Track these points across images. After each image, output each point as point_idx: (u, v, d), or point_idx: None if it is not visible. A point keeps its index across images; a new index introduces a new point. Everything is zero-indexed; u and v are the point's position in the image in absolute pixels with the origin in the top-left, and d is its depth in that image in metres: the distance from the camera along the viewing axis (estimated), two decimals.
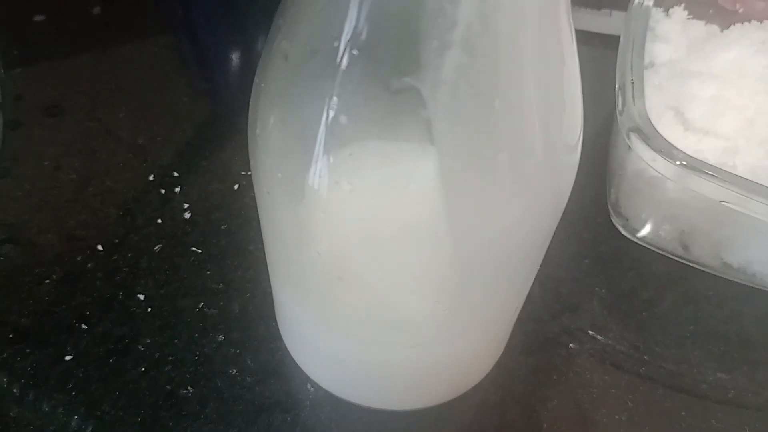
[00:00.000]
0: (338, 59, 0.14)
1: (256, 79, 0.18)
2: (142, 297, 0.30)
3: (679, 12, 0.36)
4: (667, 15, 0.36)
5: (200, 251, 0.32)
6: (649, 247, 0.33)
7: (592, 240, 0.34)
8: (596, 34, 0.43)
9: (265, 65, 0.17)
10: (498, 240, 0.18)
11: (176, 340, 0.29)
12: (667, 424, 0.28)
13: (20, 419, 0.26)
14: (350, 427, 0.27)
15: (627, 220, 0.33)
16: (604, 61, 0.33)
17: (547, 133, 0.16)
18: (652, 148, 0.27)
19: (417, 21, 0.13)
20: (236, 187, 0.35)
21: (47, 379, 0.27)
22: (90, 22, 0.45)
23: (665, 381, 0.29)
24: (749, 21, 0.35)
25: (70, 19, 0.45)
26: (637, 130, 0.27)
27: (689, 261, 0.32)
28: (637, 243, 0.33)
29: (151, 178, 0.35)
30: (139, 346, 0.29)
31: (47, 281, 0.31)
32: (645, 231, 0.32)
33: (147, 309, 0.30)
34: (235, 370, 0.28)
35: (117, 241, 0.32)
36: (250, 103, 0.18)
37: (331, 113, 0.15)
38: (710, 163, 0.26)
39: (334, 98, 0.15)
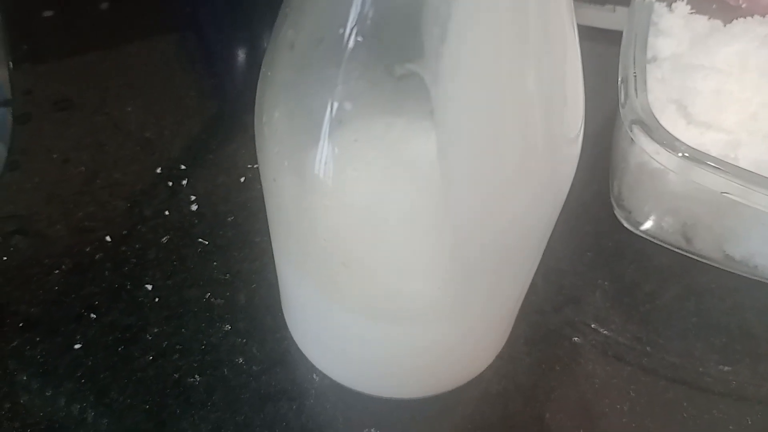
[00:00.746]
0: (343, 47, 0.15)
1: (263, 69, 0.18)
2: (149, 287, 0.31)
3: (681, 7, 0.36)
4: (670, 10, 0.36)
5: (207, 242, 0.33)
6: (651, 239, 0.33)
7: (595, 233, 0.34)
8: (600, 29, 0.43)
9: (272, 55, 0.17)
10: (499, 229, 0.18)
11: (183, 330, 0.29)
12: (668, 415, 0.28)
13: (30, 407, 0.27)
14: (355, 415, 0.27)
15: (630, 212, 0.33)
16: (608, 57, 0.33)
17: (547, 123, 0.17)
18: (655, 140, 0.27)
19: (420, 8, 0.13)
20: (242, 179, 0.36)
21: (56, 368, 0.28)
22: (98, 17, 0.45)
23: (667, 372, 0.29)
24: (752, 16, 0.36)
25: (79, 15, 0.45)
26: (640, 123, 0.27)
27: (692, 253, 0.32)
28: (639, 235, 0.33)
29: (158, 171, 0.36)
30: (147, 336, 0.29)
31: (56, 272, 0.31)
32: (648, 223, 0.33)
33: (154, 299, 0.30)
34: (241, 359, 0.28)
35: (125, 232, 0.33)
36: (257, 92, 0.19)
37: (336, 100, 0.16)
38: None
39: (339, 86, 0.15)
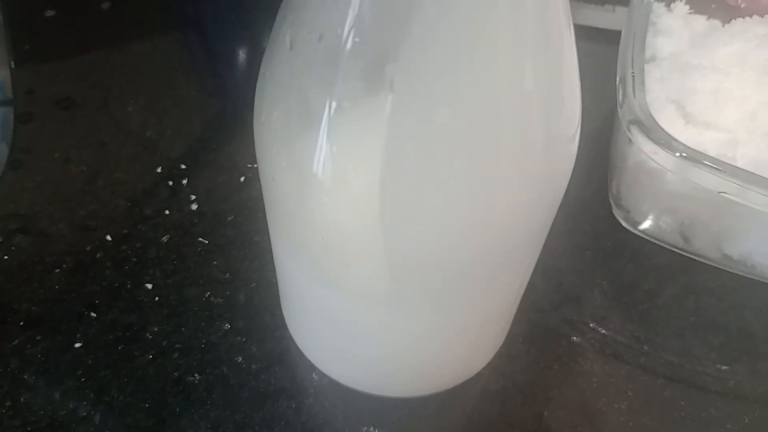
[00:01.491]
0: (341, 47, 0.15)
1: (262, 69, 0.18)
2: (150, 286, 0.31)
3: (680, 7, 0.36)
4: (669, 9, 0.36)
5: (207, 242, 0.33)
6: (649, 239, 0.33)
7: (594, 232, 0.34)
8: (599, 29, 0.43)
9: (270, 55, 0.17)
10: (497, 225, 0.18)
11: (183, 329, 0.29)
12: (666, 413, 0.28)
13: (31, 404, 0.27)
14: (354, 413, 0.27)
15: (628, 212, 0.33)
16: (607, 57, 0.33)
17: (544, 120, 0.17)
18: (653, 140, 0.27)
19: (416, 8, 0.14)
20: (242, 179, 0.36)
21: (57, 366, 0.28)
22: (100, 17, 0.46)
23: (665, 371, 0.29)
24: (751, 16, 0.36)
25: (81, 15, 0.46)
26: (638, 123, 0.27)
27: (690, 253, 0.32)
28: (637, 235, 0.34)
29: (159, 170, 0.36)
30: (147, 334, 0.29)
31: (58, 270, 0.31)
32: (646, 223, 0.33)
33: (155, 298, 0.30)
34: (240, 358, 0.28)
35: (126, 231, 0.33)
36: (256, 92, 0.19)
37: (334, 100, 0.16)
38: (710, 155, 0.27)
39: (337, 85, 0.15)
